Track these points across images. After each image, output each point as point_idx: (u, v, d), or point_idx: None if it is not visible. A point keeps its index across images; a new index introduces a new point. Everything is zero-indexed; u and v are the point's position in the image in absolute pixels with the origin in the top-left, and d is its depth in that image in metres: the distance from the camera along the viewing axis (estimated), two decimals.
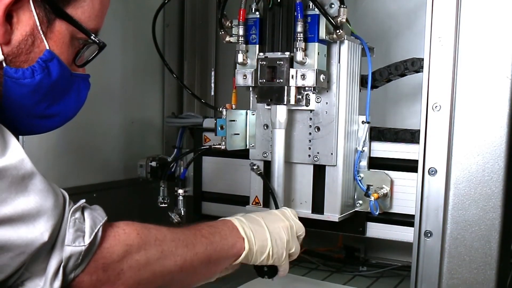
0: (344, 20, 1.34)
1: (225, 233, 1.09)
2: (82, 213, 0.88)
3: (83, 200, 0.90)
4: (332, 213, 1.44)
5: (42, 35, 0.88)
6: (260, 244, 1.11)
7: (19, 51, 0.87)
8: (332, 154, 1.41)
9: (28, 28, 0.87)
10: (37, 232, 0.79)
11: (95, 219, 0.88)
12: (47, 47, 0.89)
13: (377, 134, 1.50)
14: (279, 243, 1.15)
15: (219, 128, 1.43)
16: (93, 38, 0.94)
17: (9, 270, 0.78)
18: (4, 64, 0.86)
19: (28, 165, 0.80)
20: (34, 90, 0.89)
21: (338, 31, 1.33)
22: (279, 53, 1.36)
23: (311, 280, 1.72)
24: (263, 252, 1.12)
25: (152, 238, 0.95)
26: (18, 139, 0.83)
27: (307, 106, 1.41)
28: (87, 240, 0.85)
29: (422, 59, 1.18)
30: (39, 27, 0.87)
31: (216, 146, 1.47)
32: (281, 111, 1.37)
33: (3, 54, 0.85)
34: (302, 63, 1.33)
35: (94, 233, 0.86)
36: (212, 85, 2.26)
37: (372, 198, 1.43)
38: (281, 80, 1.35)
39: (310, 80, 1.33)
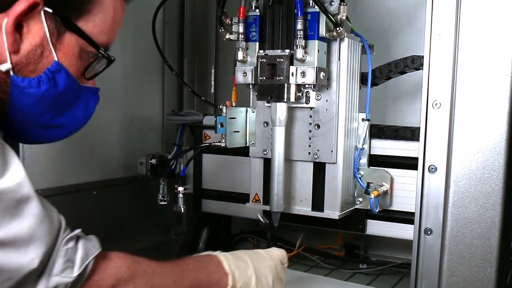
0: (344, 17, 1.33)
1: (211, 269, 1.11)
2: (76, 243, 0.87)
3: (79, 230, 0.89)
4: (332, 211, 1.44)
5: (51, 46, 0.88)
6: (244, 281, 1.13)
7: (27, 61, 0.87)
8: (332, 151, 1.41)
9: (37, 38, 0.87)
10: (28, 258, 0.79)
11: (88, 251, 0.88)
12: (56, 59, 0.89)
13: (377, 131, 1.50)
14: (264, 282, 1.17)
15: (219, 125, 1.43)
16: (102, 52, 0.94)
17: None
18: (12, 73, 0.86)
19: (26, 189, 0.79)
20: (39, 100, 0.89)
21: (338, 28, 1.33)
22: (279, 50, 1.36)
23: (313, 276, 1.72)
24: None
25: (142, 272, 0.97)
26: (18, 148, 0.83)
27: (307, 103, 1.41)
28: (76, 272, 0.85)
29: (422, 57, 1.18)
30: (49, 39, 0.87)
31: (216, 144, 1.47)
32: (281, 109, 1.37)
33: (11, 63, 0.85)
34: (302, 61, 1.33)
35: (84, 265, 0.86)
36: (212, 82, 2.26)
37: (372, 196, 1.42)
38: (281, 78, 1.35)
39: (310, 78, 1.33)
